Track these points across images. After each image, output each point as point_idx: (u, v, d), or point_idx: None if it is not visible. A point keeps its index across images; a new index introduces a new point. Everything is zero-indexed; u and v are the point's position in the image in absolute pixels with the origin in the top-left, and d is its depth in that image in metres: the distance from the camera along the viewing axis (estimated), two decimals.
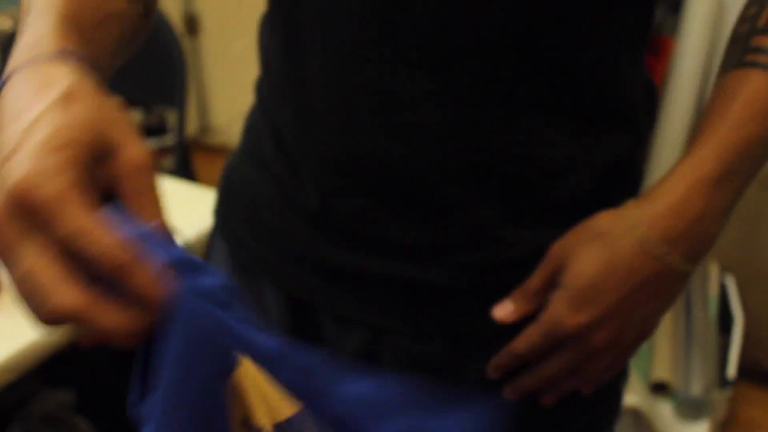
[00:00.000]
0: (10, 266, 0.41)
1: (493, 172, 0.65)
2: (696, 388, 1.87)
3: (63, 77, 0.47)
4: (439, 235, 0.67)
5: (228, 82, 3.23)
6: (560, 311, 0.62)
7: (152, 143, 2.26)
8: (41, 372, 1.26)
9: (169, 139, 2.54)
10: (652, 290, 0.62)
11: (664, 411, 1.90)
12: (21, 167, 0.40)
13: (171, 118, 2.64)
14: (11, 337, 1.13)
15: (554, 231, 0.66)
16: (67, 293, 0.40)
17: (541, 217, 0.67)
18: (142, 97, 2.35)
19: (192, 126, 3.25)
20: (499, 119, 0.64)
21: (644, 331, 0.65)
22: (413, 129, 0.63)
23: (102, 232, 0.40)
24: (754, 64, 0.63)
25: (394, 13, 0.62)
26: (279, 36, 0.72)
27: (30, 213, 0.40)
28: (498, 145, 0.64)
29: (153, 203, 0.45)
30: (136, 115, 2.68)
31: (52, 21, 0.54)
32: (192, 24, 3.19)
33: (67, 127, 0.43)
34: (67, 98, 0.45)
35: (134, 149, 0.45)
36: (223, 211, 0.82)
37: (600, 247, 0.61)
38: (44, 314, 0.41)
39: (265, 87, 0.78)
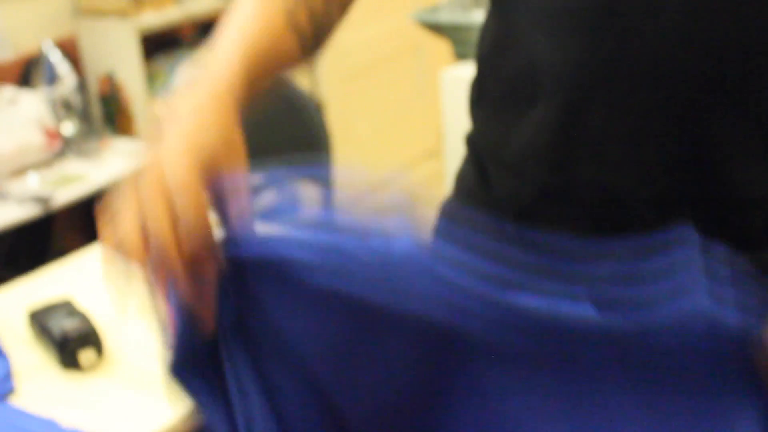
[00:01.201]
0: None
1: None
2: None
3: (225, 105, 0.72)
4: None
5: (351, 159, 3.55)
6: None
7: None
8: None
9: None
10: None
11: None
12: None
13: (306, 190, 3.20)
14: (151, 417, 1.27)
15: None
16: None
17: None
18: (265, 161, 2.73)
19: None
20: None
21: None
22: (641, 164, 0.74)
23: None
24: None
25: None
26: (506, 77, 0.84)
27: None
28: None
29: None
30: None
31: (238, 57, 0.76)
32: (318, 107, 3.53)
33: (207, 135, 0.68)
34: (219, 116, 0.70)
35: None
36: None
37: None
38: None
39: (479, 138, 0.91)
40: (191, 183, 0.62)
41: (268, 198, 0.67)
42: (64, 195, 2.28)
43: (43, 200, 2.21)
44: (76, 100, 2.47)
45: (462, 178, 0.93)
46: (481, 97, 0.88)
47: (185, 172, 0.62)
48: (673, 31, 0.69)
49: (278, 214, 0.65)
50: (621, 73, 0.73)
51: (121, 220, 0.64)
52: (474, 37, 0.91)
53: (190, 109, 0.69)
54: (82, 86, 2.56)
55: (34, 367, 1.34)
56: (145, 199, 0.63)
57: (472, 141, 0.91)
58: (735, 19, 0.69)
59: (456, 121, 2.23)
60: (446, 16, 2.55)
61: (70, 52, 2.60)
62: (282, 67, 0.87)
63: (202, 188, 0.62)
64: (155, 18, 2.57)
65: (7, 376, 1.29)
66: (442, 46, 2.70)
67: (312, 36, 0.89)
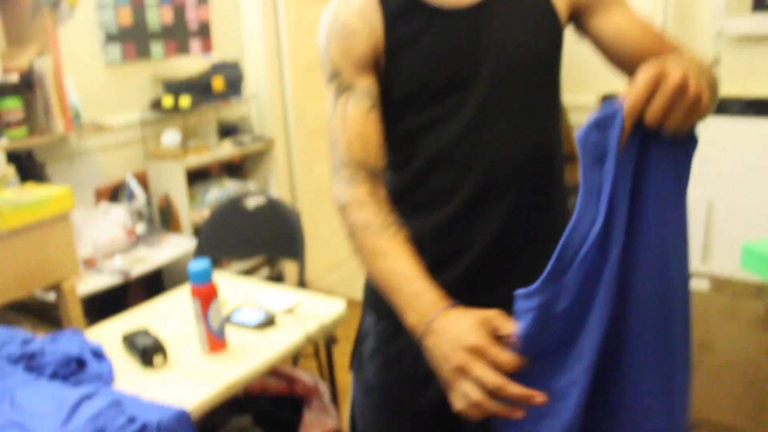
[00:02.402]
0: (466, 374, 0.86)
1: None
2: None
3: (463, 315, 0.92)
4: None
5: (319, 245, 3.81)
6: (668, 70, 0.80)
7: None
8: (230, 404, 1.78)
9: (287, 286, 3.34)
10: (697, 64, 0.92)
11: None
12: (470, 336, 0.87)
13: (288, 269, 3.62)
14: (211, 380, 1.55)
15: None
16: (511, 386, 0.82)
17: None
18: (269, 254, 3.05)
19: None
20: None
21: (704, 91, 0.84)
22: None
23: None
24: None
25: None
26: (405, 180, 1.17)
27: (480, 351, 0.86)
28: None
29: None
30: (265, 271, 3.56)
31: (431, 287, 0.97)
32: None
33: (476, 329, 0.89)
34: (471, 319, 0.90)
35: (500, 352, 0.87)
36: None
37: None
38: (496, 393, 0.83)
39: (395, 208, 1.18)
40: (488, 344, 0.86)
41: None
42: (137, 270, 2.60)
43: (124, 273, 2.54)
44: (145, 210, 2.86)
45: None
46: (396, 209, 1.13)
47: (481, 341, 0.86)
48: (503, 153, 1.08)
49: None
50: (486, 182, 1.08)
51: (465, 390, 0.85)
52: None
53: (450, 325, 0.91)
54: (149, 202, 2.96)
55: (126, 367, 1.63)
56: (473, 369, 0.85)
57: None
58: (534, 137, 1.09)
59: None
60: None
61: (142, 180, 3.03)
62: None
63: (493, 343, 0.86)
64: (196, 160, 3.02)
65: (110, 371, 1.58)
66: None
67: (409, 235, 1.09)
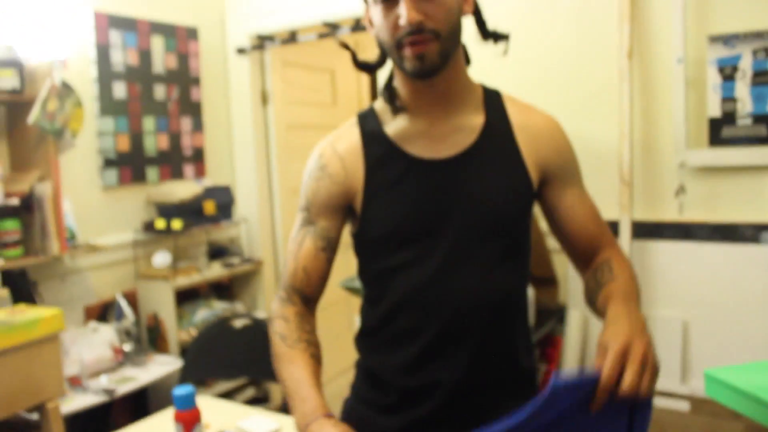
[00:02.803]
0: None
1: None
2: None
3: (333, 425, 0.99)
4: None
5: None
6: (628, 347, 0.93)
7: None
8: None
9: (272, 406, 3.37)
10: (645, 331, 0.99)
11: None
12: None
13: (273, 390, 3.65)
14: None
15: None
16: None
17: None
18: (255, 376, 2.98)
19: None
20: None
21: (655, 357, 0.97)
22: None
23: None
24: (612, 280, 1.15)
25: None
26: (377, 315, 1.26)
27: None
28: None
29: None
30: (250, 391, 3.56)
31: (317, 396, 1.06)
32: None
33: None
34: (337, 429, 0.98)
35: None
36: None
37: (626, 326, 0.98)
38: None
39: (363, 342, 1.31)
40: None
41: None
42: (123, 389, 2.59)
43: (109, 392, 2.54)
44: (133, 329, 2.88)
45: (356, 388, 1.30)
46: (369, 343, 1.28)
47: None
48: (467, 294, 1.15)
49: None
50: (450, 326, 1.16)
51: None
52: None
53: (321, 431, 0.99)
54: (137, 321, 3.00)
55: None
56: None
57: (362, 364, 1.31)
58: (493, 284, 1.16)
59: None
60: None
61: (132, 299, 3.08)
62: (319, 381, 1.13)
63: None
64: (185, 280, 3.09)
65: None
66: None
67: (320, 357, 1.18)
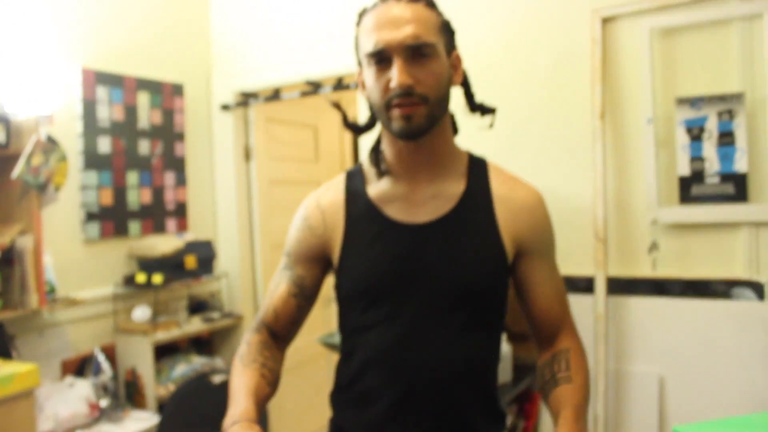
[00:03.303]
0: None
1: None
2: None
3: (250, 428, 1.04)
4: None
5: (286, 417, 3.54)
6: None
7: None
8: None
9: None
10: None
11: None
12: None
13: None
14: None
15: None
16: None
17: None
18: None
19: None
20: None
21: None
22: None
23: None
24: (567, 381, 1.20)
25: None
26: (348, 372, 1.29)
27: None
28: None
29: None
30: None
31: (249, 404, 1.11)
32: None
33: None
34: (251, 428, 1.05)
35: None
36: None
37: None
38: None
39: (335, 398, 1.34)
40: None
41: None
42: None
43: None
44: (110, 384, 2.83)
45: None
46: (341, 399, 1.31)
47: None
48: (430, 357, 1.19)
49: None
50: (413, 389, 1.18)
51: None
52: None
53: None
54: (115, 376, 2.95)
55: None
56: None
57: (333, 421, 1.35)
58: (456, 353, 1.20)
59: None
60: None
61: (110, 353, 3.04)
62: (265, 398, 1.20)
63: None
64: (164, 335, 3.06)
65: None
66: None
67: (273, 381, 1.24)
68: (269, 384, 1.22)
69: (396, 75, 1.14)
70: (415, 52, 1.15)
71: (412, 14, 1.16)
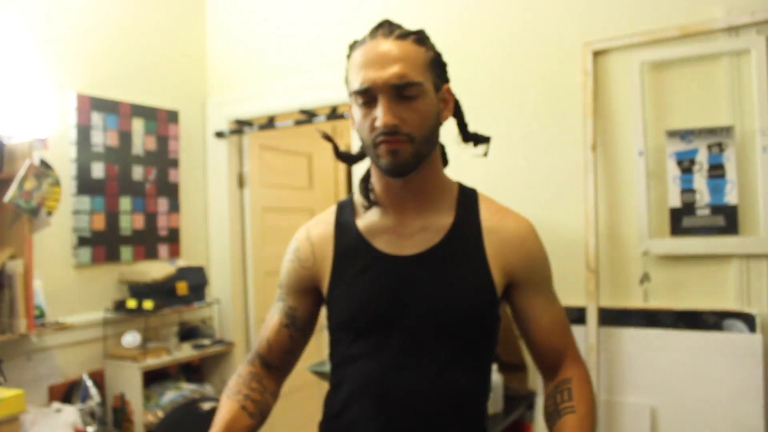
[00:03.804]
0: None
1: None
2: None
3: None
4: None
5: None
6: None
7: None
8: None
9: None
10: None
11: None
12: None
13: None
14: None
15: None
16: None
17: None
18: None
19: None
20: None
21: None
22: None
23: None
24: (572, 412, 1.17)
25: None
26: (336, 402, 1.28)
27: None
28: None
29: None
30: None
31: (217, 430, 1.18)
32: None
33: None
34: None
35: None
36: None
37: None
38: None
39: (324, 428, 1.32)
40: None
41: None
42: None
43: None
44: (98, 410, 2.80)
45: None
46: (329, 429, 1.31)
47: None
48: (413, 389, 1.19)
49: None
50: (399, 420, 1.18)
51: None
52: None
53: None
54: (103, 402, 2.92)
55: None
56: None
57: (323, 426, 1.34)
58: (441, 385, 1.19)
59: None
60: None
61: (99, 378, 3.02)
62: (244, 429, 1.22)
63: None
64: (154, 361, 3.03)
65: None
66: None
67: (257, 412, 1.26)
68: (252, 415, 1.23)
69: (380, 115, 1.14)
70: (401, 92, 1.15)
71: (399, 52, 1.16)
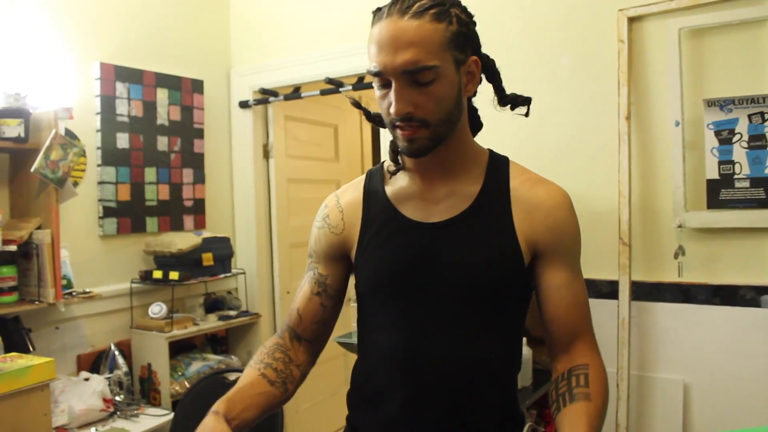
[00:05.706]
0: None
1: None
2: None
3: (212, 422, 1.09)
4: None
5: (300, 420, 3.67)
6: None
7: None
8: None
9: None
10: None
11: None
12: None
13: None
14: None
15: None
16: None
17: None
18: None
19: None
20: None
21: None
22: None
23: None
24: (585, 398, 1.11)
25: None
26: (363, 370, 1.30)
27: None
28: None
29: None
30: None
31: (225, 398, 1.15)
32: None
33: None
34: (216, 423, 1.08)
35: None
36: None
37: None
38: None
39: (351, 398, 1.34)
40: None
41: None
42: None
43: None
44: (125, 380, 2.86)
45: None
46: (355, 398, 1.32)
47: None
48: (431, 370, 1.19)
49: None
50: (425, 387, 1.19)
51: None
52: None
53: (204, 423, 1.09)
54: (130, 372, 2.96)
55: None
56: None
57: (349, 419, 1.35)
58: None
59: None
60: None
61: (126, 349, 3.06)
62: (260, 396, 1.20)
63: None
64: (180, 332, 3.06)
65: None
66: None
67: (278, 381, 1.25)
68: (272, 383, 1.23)
69: (393, 102, 1.12)
70: (414, 77, 1.11)
71: (414, 34, 1.09)
